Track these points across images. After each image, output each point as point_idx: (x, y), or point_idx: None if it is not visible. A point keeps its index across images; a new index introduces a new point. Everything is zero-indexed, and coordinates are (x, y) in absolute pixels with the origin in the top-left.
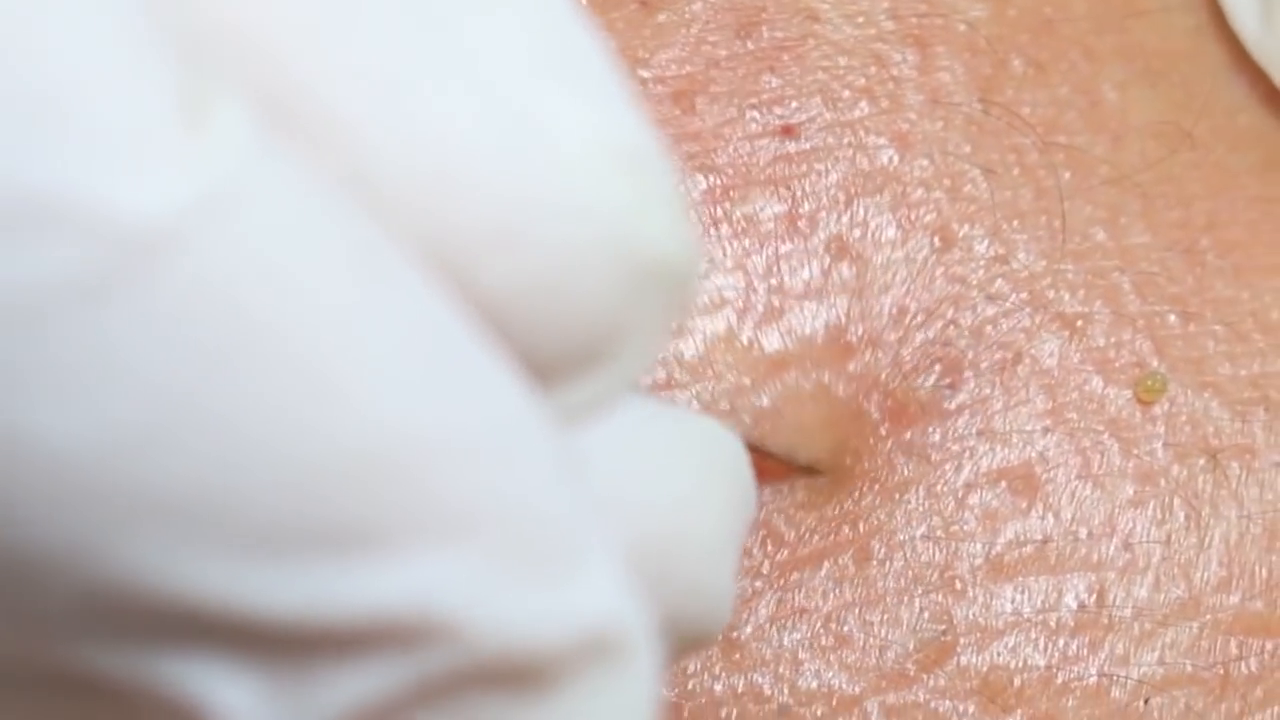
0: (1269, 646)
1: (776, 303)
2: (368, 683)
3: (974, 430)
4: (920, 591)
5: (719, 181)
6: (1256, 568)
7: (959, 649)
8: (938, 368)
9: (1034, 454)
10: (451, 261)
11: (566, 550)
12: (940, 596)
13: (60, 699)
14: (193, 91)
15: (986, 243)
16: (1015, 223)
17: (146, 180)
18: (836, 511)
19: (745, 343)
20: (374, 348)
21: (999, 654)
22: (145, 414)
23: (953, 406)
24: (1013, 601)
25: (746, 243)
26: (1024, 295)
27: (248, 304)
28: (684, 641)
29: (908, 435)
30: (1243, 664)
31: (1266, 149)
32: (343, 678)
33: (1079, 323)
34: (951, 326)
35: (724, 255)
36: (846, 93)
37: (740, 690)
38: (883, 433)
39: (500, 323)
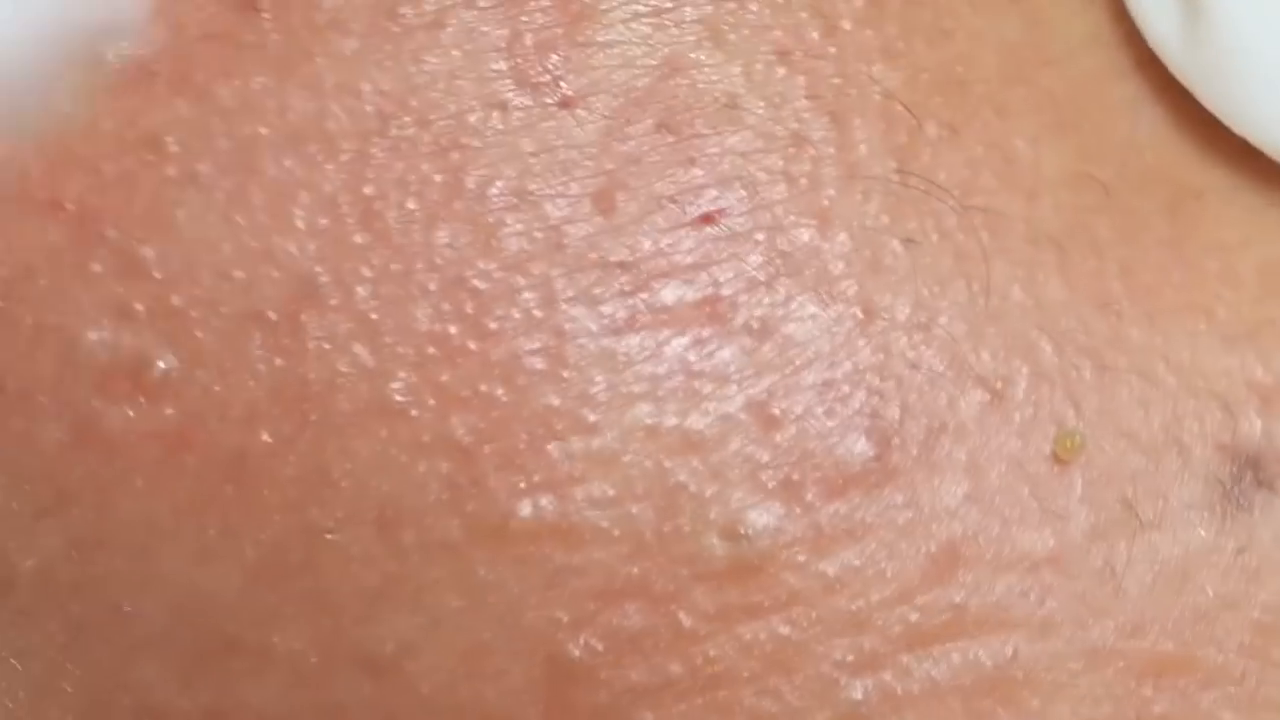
0: (1180, 684)
1: (697, 386)
2: None
3: (899, 501)
4: (838, 663)
5: (638, 275)
6: (1168, 610)
7: None
8: (863, 440)
9: (956, 522)
10: None
11: None
12: (858, 668)
13: None
14: None
15: (908, 311)
16: (936, 288)
17: None
18: (760, 580)
19: (664, 428)
20: None
21: None
22: None
23: (879, 479)
24: (929, 670)
25: (665, 333)
26: (946, 360)
27: None
28: None
29: (834, 507)
30: (1155, 706)
31: (1173, 187)
32: None
33: (999, 384)
34: (877, 397)
35: (642, 347)
36: (764, 175)
37: None
38: (809, 502)
39: None
